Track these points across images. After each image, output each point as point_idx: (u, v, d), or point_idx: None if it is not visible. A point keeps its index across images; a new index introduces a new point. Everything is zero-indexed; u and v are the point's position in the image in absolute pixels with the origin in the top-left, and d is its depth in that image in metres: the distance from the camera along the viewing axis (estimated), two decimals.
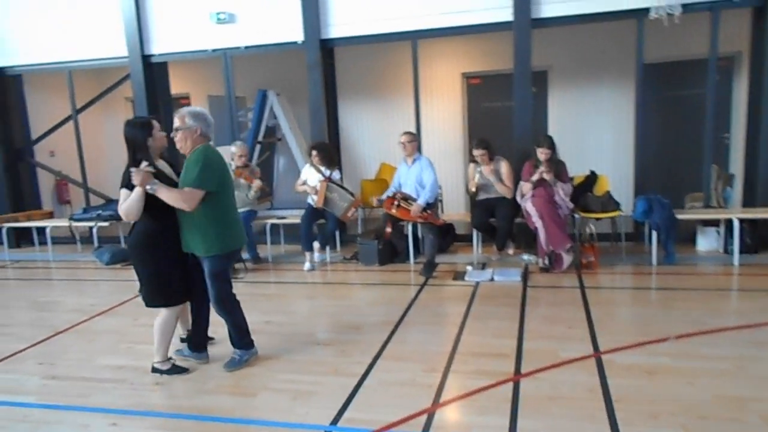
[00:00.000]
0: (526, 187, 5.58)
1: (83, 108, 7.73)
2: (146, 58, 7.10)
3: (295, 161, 8.21)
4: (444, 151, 7.99)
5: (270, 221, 6.57)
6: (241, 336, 3.69)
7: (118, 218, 7.06)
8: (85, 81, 8.14)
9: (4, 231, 7.27)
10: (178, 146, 3.48)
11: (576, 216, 5.79)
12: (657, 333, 3.81)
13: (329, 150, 6.21)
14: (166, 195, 3.28)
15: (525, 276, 5.29)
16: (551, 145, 5.49)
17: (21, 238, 7.95)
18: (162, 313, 3.53)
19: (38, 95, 8.19)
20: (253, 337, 3.76)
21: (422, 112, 6.80)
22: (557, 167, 5.52)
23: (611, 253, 5.93)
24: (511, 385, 3.21)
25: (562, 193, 5.50)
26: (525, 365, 3.44)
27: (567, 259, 5.33)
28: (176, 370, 3.59)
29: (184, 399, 3.29)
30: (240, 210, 6.38)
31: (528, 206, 5.50)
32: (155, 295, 3.49)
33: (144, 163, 3.32)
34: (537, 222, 5.39)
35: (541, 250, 5.41)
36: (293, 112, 8.40)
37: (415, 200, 5.58)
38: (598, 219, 5.82)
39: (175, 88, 8.99)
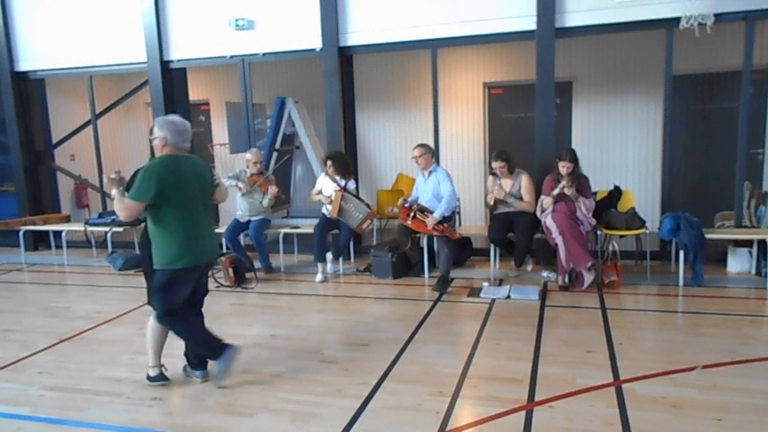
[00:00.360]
0: (546, 201, 5.37)
1: (102, 113, 7.76)
2: (165, 64, 7.09)
3: (313, 169, 8.12)
4: (463, 162, 7.81)
5: (283, 231, 6.46)
6: (205, 351, 3.53)
7: (132, 224, 7.04)
8: (106, 86, 8.18)
9: (21, 234, 7.30)
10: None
11: (598, 233, 5.55)
12: (683, 361, 3.57)
13: (345, 160, 6.09)
14: (115, 202, 3.30)
15: (543, 294, 5.07)
16: (574, 158, 5.28)
17: (39, 241, 7.99)
18: (152, 317, 3.45)
19: (60, 99, 8.25)
20: (255, 350, 3.63)
21: (441, 122, 6.64)
22: (579, 182, 5.30)
23: (635, 272, 5.67)
24: (523, 414, 3.01)
25: (584, 208, 5.28)
26: (539, 392, 3.24)
27: (588, 277, 5.10)
28: (158, 378, 3.50)
29: (179, 417, 3.17)
30: (253, 218, 6.33)
31: (548, 221, 5.29)
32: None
33: (115, 171, 3.42)
34: (557, 238, 5.17)
35: (561, 268, 5.19)
36: (312, 120, 8.32)
37: (431, 212, 5.41)
38: (621, 236, 5.57)
39: (195, 94, 9.00)
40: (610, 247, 5.27)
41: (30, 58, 7.62)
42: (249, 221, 6.30)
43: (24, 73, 7.70)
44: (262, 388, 3.43)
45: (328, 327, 4.53)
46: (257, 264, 6.33)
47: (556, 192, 5.27)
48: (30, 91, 7.84)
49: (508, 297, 5.02)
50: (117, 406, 3.29)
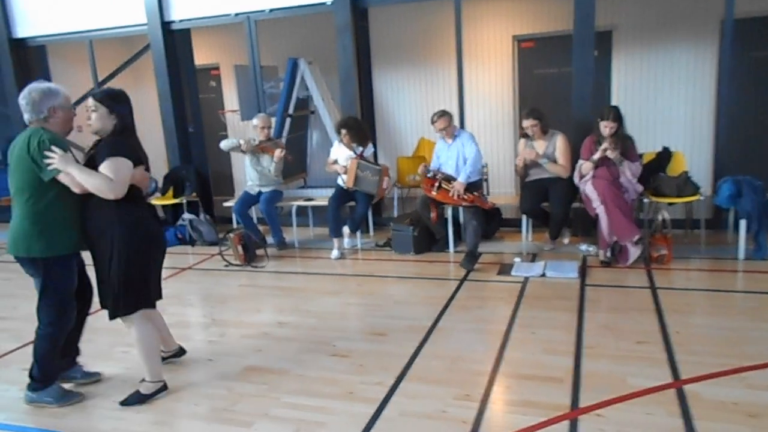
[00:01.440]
0: (585, 166, 4.76)
1: (105, 80, 7.32)
2: (166, 25, 6.57)
3: (329, 136, 7.59)
4: (491, 124, 7.19)
5: (296, 203, 6.00)
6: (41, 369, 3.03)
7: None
8: (111, 52, 7.72)
9: None
10: None
11: (645, 200, 4.94)
12: (756, 355, 3.03)
13: (360, 126, 5.54)
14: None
15: (583, 271, 4.54)
16: (617, 117, 4.65)
17: None
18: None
19: (63, 67, 7.82)
20: (260, 341, 3.24)
21: (466, 80, 6.03)
22: (624, 143, 4.67)
23: (686, 243, 5.07)
24: (566, 424, 2.54)
25: (629, 173, 4.67)
26: (584, 396, 2.75)
27: (634, 251, 4.53)
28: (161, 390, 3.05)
29: (168, 426, 2.78)
30: (264, 189, 5.88)
31: (588, 189, 4.71)
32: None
33: None
34: (598, 208, 4.59)
35: (603, 241, 4.63)
36: (327, 83, 7.74)
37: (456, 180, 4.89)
38: (670, 204, 4.95)
39: (204, 58, 8.51)
40: (660, 217, 4.67)
41: (28, 24, 7.18)
42: (260, 193, 5.86)
43: (23, 40, 7.27)
44: (263, 389, 3.02)
45: (342, 312, 4.09)
46: (269, 239, 5.92)
47: (596, 156, 4.66)
48: (30, 58, 7.43)
49: (543, 275, 4.50)
50: (102, 411, 2.92)
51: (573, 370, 3.01)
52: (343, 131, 5.47)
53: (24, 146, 2.74)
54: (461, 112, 5.89)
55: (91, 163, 2.79)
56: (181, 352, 3.42)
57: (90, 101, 2.81)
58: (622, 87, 6.66)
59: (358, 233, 5.74)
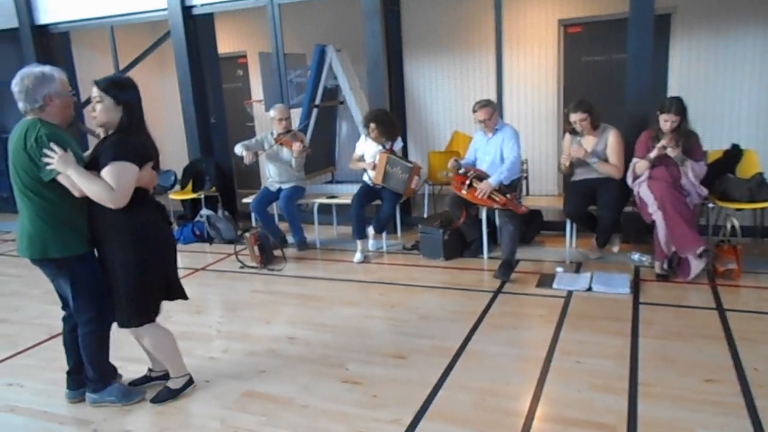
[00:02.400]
0: (641, 165, 4.20)
1: (127, 68, 7.04)
2: (187, 10, 6.23)
3: (358, 127, 7.15)
4: (532, 117, 6.62)
5: (317, 201, 5.59)
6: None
7: (163, 191, 6.40)
8: (134, 39, 7.45)
9: None
10: None
11: (710, 205, 4.34)
12: None
13: (389, 120, 5.08)
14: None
15: (635, 286, 3.98)
16: (680, 109, 4.05)
17: None
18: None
19: (87, 55, 7.59)
20: (265, 360, 2.92)
21: (506, 69, 5.50)
22: (687, 140, 4.08)
23: (756, 255, 4.45)
24: None
25: (692, 174, 4.08)
26: None
27: (696, 265, 3.94)
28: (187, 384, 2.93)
29: None
30: (284, 185, 5.49)
31: (643, 192, 4.14)
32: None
33: None
34: (655, 213, 4.02)
35: (660, 251, 4.06)
36: (357, 71, 7.30)
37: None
38: (738, 210, 4.34)
39: (230, 45, 8.20)
40: (728, 225, 4.06)
41: (50, 10, 6.96)
42: (280, 189, 5.48)
43: (45, 27, 7.07)
44: (261, 423, 2.62)
45: (360, 327, 3.65)
46: (290, 239, 5.54)
47: (654, 153, 4.09)
48: (54, 45, 7.23)
49: (590, 289, 3.96)
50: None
51: (627, 414, 2.51)
52: (372, 125, 5.02)
53: (21, 141, 2.46)
54: (500, 103, 5.36)
55: (95, 163, 2.50)
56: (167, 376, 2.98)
57: (94, 91, 2.50)
58: (682, 76, 5.99)
59: (384, 234, 5.30)
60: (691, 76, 5.89)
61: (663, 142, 4.05)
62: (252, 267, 4.98)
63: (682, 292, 3.86)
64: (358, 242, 5.04)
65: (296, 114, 7.21)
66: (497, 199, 4.32)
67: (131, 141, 2.52)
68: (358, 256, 4.99)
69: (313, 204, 5.61)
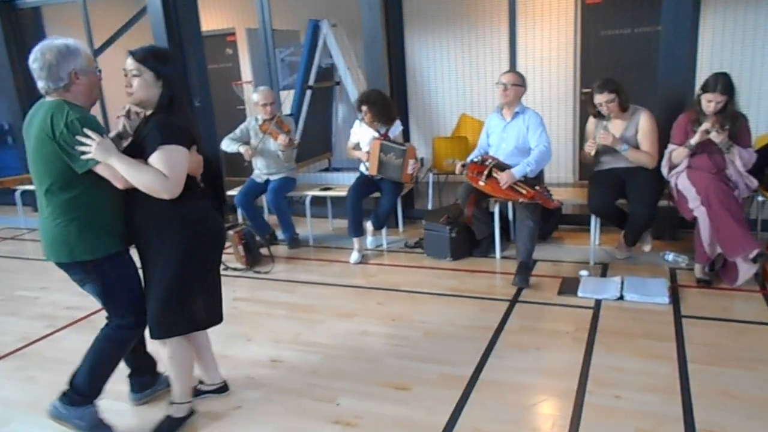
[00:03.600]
0: (678, 153, 3.63)
1: (102, 47, 6.46)
2: None
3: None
4: (547, 97, 6.01)
5: (310, 193, 5.04)
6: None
7: None
8: (111, 14, 6.84)
9: (18, 194, 6.27)
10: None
11: (760, 198, 3.78)
12: None
13: (384, 101, 4.48)
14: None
15: (674, 293, 3.44)
16: (727, 88, 3.46)
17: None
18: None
19: (60, 32, 6.96)
20: (240, 393, 2.42)
21: (519, 45, 4.89)
22: (734, 123, 3.51)
23: None
24: None
25: (739, 163, 3.51)
26: None
27: (746, 270, 3.39)
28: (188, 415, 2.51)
29: None
30: (273, 177, 4.94)
31: (682, 183, 3.58)
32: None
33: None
34: (698, 210, 3.46)
35: (702, 253, 3.51)
36: (354, 49, 6.70)
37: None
38: None
39: (217, 22, 7.58)
40: None
41: None
42: (267, 181, 4.93)
43: (13, 1, 6.47)
44: None
45: (355, 347, 3.12)
46: (280, 235, 5.00)
47: (695, 139, 3.52)
48: (24, 23, 6.63)
49: (621, 297, 3.42)
50: None
51: None
52: (364, 108, 4.44)
53: (46, 126, 2.10)
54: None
55: (135, 149, 2.18)
56: (225, 388, 2.70)
57: (130, 62, 2.18)
58: (713, 51, 5.35)
59: (384, 230, 4.75)
60: (725, 50, 5.27)
61: (706, 125, 3.48)
62: (236, 269, 4.45)
63: (730, 302, 3.32)
64: (355, 241, 4.50)
65: (288, 96, 6.67)
66: (523, 191, 3.75)
67: (176, 121, 2.19)
68: (354, 256, 4.45)
69: (305, 197, 5.06)
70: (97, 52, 6.37)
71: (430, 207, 5.65)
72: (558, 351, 2.92)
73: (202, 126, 6.07)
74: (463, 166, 4.04)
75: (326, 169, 7.32)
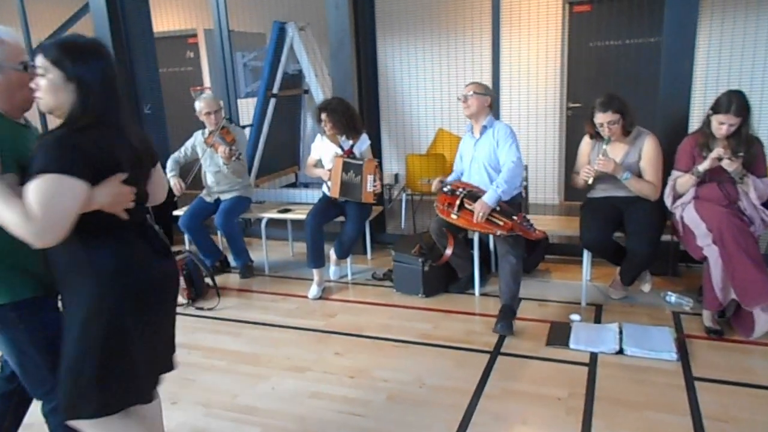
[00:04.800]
0: (684, 181, 3.17)
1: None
2: None
3: None
4: (530, 111, 5.53)
5: (266, 215, 4.46)
6: None
7: None
8: (51, 11, 6.19)
9: None
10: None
11: None
12: None
13: (347, 110, 3.92)
14: None
15: (682, 346, 2.94)
16: (743, 108, 3.00)
17: None
18: None
19: None
20: None
21: (503, 54, 4.40)
22: (748, 150, 3.04)
23: None
24: None
25: (754, 195, 3.05)
26: None
27: (765, 320, 2.91)
28: None
29: None
30: (224, 196, 4.36)
31: (689, 217, 3.11)
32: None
33: None
34: (708, 248, 2.98)
35: (713, 299, 3.02)
36: (324, 55, 6.15)
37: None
38: None
39: (177, 22, 6.99)
40: None
41: None
42: (218, 201, 4.35)
43: None
44: None
45: (300, 417, 2.54)
46: (232, 262, 4.42)
47: (704, 166, 3.05)
48: None
49: (620, 351, 2.91)
50: None
51: None
52: (323, 116, 3.89)
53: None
54: (496, 97, 4.28)
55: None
56: None
57: (38, 59, 1.62)
58: (710, 63, 4.93)
59: (349, 259, 4.20)
60: (722, 63, 4.84)
61: (718, 152, 3.01)
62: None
63: (748, 360, 2.83)
64: (315, 272, 3.94)
65: (252, 104, 6.10)
66: (500, 222, 3.24)
67: (78, 141, 1.57)
68: (314, 291, 3.89)
69: (260, 219, 4.48)
70: (34, 52, 5.71)
71: (402, 227, 5.12)
72: (549, 426, 2.39)
73: (152, 134, 5.46)
74: (441, 182, 3.55)
75: (293, 184, 6.75)
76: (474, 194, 3.37)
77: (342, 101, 3.95)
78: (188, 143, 4.37)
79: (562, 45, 5.64)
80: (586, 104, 5.67)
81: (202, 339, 3.36)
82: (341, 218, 4.11)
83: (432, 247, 3.81)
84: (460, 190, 3.42)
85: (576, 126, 5.77)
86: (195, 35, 7.23)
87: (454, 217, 3.36)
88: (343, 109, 3.87)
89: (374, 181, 3.79)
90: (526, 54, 5.55)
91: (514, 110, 4.92)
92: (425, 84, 5.49)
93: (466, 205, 3.34)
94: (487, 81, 4.23)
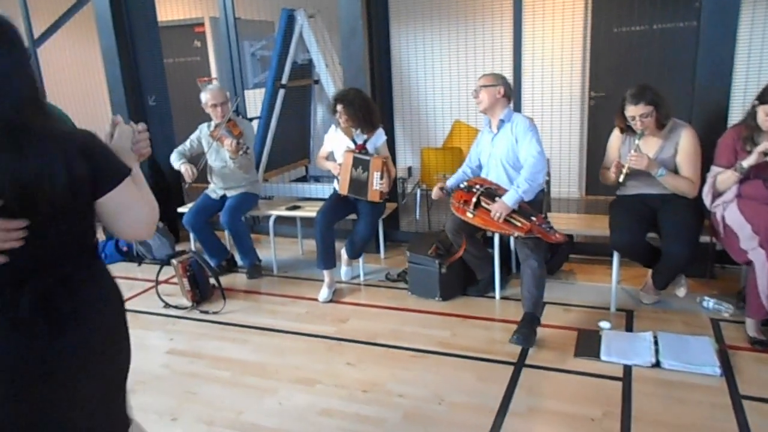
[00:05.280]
0: (726, 178, 2.91)
1: (43, 36, 5.62)
2: None
3: None
4: (551, 102, 5.27)
5: (274, 212, 4.26)
6: None
7: None
8: (50, 2, 5.99)
9: None
10: None
11: None
12: None
13: (364, 103, 3.71)
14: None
15: (725, 359, 2.70)
16: None
17: None
18: None
19: None
20: None
21: (526, 42, 4.14)
22: None
23: None
24: None
25: None
26: None
27: None
28: None
29: None
30: (230, 192, 4.16)
31: (731, 217, 2.86)
32: None
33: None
34: (754, 252, 2.73)
35: (758, 306, 2.77)
36: (335, 44, 5.91)
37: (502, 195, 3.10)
38: None
39: (184, 11, 6.78)
40: None
41: None
42: (224, 197, 4.16)
43: None
44: None
45: None
46: (240, 261, 4.24)
47: (749, 161, 2.79)
48: None
49: (657, 364, 2.68)
50: None
51: None
52: (339, 107, 3.67)
53: None
54: (518, 87, 4.02)
55: None
56: None
57: None
58: (752, 50, 4.63)
59: (361, 258, 3.98)
60: (765, 51, 4.53)
61: (766, 146, 2.75)
62: (179, 307, 3.66)
63: None
64: (326, 273, 3.73)
65: (260, 96, 5.88)
66: (519, 224, 3.00)
67: None
68: (324, 294, 3.68)
69: (268, 217, 4.28)
70: (36, 43, 5.54)
71: (416, 222, 4.90)
72: None
73: (158, 131, 5.25)
74: (442, 189, 3.38)
75: (303, 178, 6.55)
76: (492, 192, 3.14)
77: (359, 93, 3.71)
78: (193, 136, 4.18)
79: (585, 30, 5.36)
80: (610, 93, 5.40)
81: (205, 346, 3.17)
82: (353, 216, 3.89)
83: (449, 247, 3.59)
84: (477, 186, 3.19)
85: (599, 116, 5.49)
86: (202, 24, 7.01)
87: (469, 215, 3.13)
88: (360, 101, 3.64)
89: (381, 178, 3.57)
90: (550, 41, 5.28)
91: (535, 100, 4.65)
92: (441, 74, 5.23)
93: (483, 204, 3.11)
94: (508, 70, 3.98)
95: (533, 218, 3.01)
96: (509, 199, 3.03)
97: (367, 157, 3.60)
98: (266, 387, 2.71)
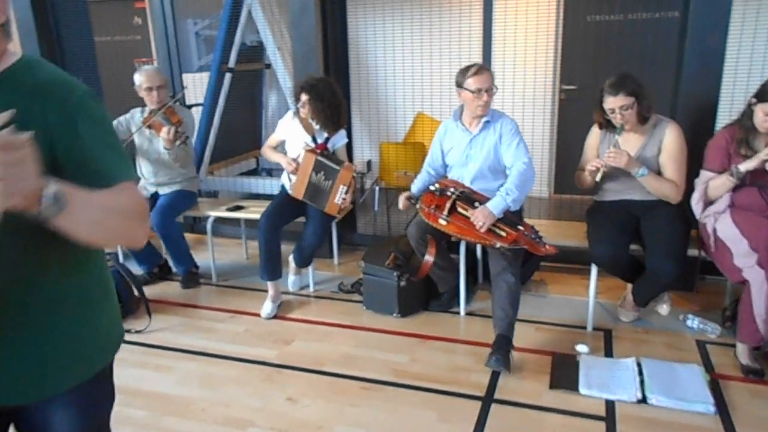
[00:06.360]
0: (719, 184, 2.59)
1: None
2: None
3: (288, 100, 5.29)
4: (520, 96, 4.92)
5: (213, 213, 3.76)
6: None
7: None
8: None
9: None
10: None
11: None
12: None
13: (334, 98, 3.21)
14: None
15: (716, 391, 2.39)
16: None
17: None
18: None
19: None
20: None
21: (495, 30, 3.75)
22: None
23: None
24: None
25: None
26: None
27: None
28: None
29: None
30: (163, 189, 3.65)
31: (724, 229, 2.54)
32: None
33: None
34: (750, 270, 2.42)
35: (752, 331, 2.47)
36: (286, 22, 5.39)
37: (483, 202, 2.70)
38: None
39: None
40: None
41: None
42: (156, 195, 3.65)
43: None
44: None
45: None
46: (174, 269, 3.74)
47: (748, 165, 2.48)
48: None
49: (643, 399, 2.34)
50: None
51: None
52: (304, 98, 3.19)
53: None
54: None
55: None
56: None
57: None
58: (743, 46, 4.36)
59: (311, 265, 3.54)
60: (757, 45, 4.26)
61: (766, 152, 2.43)
62: None
63: None
64: (270, 285, 3.28)
65: (204, 80, 5.34)
66: (503, 233, 2.62)
67: None
68: (267, 309, 3.23)
69: (206, 218, 3.79)
70: None
71: (374, 224, 4.48)
72: None
73: None
74: (409, 198, 2.97)
75: (254, 171, 6.04)
76: (469, 196, 2.75)
77: (330, 87, 3.22)
78: (121, 118, 3.63)
79: (556, 19, 5.00)
80: (582, 86, 5.08)
81: (122, 375, 2.69)
82: (302, 218, 3.44)
83: (410, 255, 3.18)
84: (452, 190, 2.79)
85: (569, 110, 5.17)
86: None
87: (443, 222, 2.72)
88: (331, 97, 3.17)
89: (345, 193, 3.14)
90: (522, 28, 4.87)
91: (506, 93, 4.27)
92: (404, 60, 4.78)
93: (460, 209, 2.71)
94: (476, 59, 3.59)
95: (520, 227, 2.64)
96: (495, 207, 2.65)
97: (335, 166, 3.14)
98: (190, 429, 2.26)
